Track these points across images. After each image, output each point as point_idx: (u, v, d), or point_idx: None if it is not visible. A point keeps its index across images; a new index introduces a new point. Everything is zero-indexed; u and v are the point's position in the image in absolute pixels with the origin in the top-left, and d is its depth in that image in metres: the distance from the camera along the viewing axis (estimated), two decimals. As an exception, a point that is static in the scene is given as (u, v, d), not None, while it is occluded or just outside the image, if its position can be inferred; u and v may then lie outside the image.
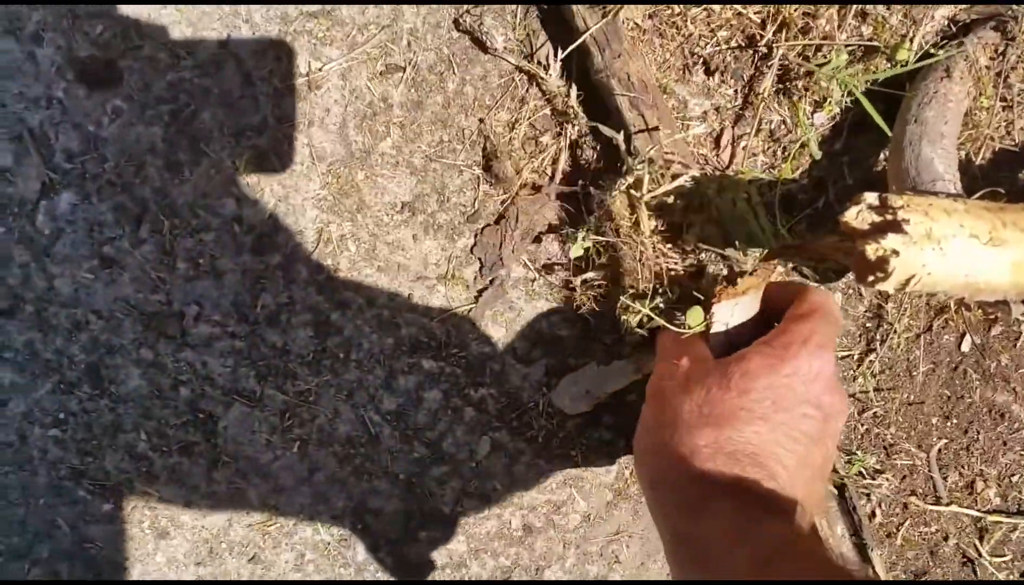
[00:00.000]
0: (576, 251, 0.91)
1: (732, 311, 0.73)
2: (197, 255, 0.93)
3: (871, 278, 0.68)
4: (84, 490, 1.01)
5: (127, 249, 0.92)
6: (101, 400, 0.97)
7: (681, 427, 0.65)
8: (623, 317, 0.88)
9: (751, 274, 0.75)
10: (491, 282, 0.97)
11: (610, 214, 0.87)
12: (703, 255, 0.85)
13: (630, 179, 0.86)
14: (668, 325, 0.76)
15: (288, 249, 0.94)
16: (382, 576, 1.07)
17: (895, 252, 0.65)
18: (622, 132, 0.88)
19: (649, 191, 0.85)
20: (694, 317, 0.74)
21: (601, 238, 0.89)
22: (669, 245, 0.87)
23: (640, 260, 0.85)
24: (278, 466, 1.01)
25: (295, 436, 1.00)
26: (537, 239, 0.96)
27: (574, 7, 0.87)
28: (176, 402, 0.98)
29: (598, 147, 0.93)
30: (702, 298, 0.80)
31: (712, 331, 0.73)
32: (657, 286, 0.86)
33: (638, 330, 0.86)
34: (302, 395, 0.99)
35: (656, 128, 0.88)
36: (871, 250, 0.67)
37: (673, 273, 0.86)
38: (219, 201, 0.92)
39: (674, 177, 0.86)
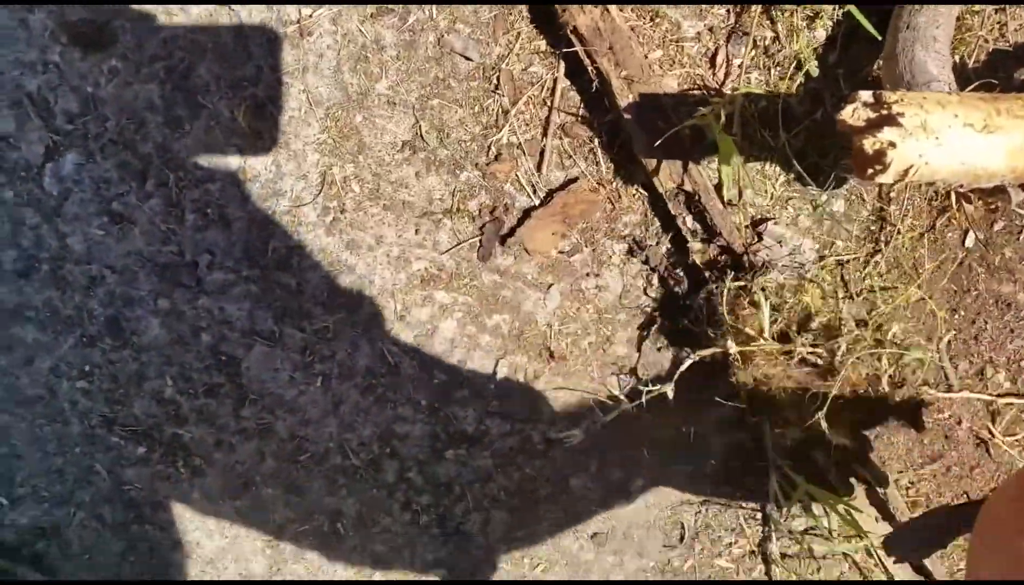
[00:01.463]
0: None
1: None
2: (204, 205, 0.95)
3: (870, 171, 0.68)
4: (117, 436, 1.04)
5: (135, 204, 0.94)
6: (124, 350, 1.00)
7: None
8: None
9: None
10: (491, 212, 0.98)
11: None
12: None
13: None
14: None
15: (293, 194, 0.95)
16: (413, 496, 1.11)
17: (892, 144, 0.66)
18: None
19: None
20: None
21: None
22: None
23: None
24: (303, 400, 1.05)
25: (317, 371, 1.03)
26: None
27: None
28: (198, 347, 1.01)
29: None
30: None
31: None
32: None
33: None
34: (319, 333, 1.01)
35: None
36: (868, 144, 0.68)
37: None
38: (221, 152, 0.93)
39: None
